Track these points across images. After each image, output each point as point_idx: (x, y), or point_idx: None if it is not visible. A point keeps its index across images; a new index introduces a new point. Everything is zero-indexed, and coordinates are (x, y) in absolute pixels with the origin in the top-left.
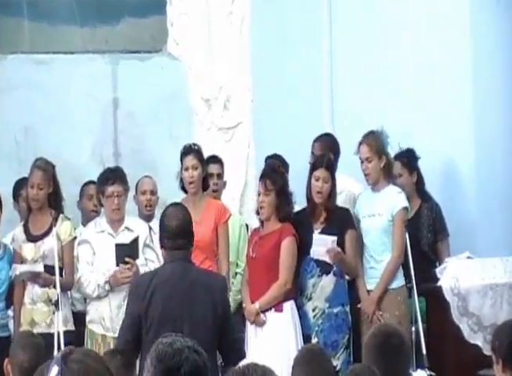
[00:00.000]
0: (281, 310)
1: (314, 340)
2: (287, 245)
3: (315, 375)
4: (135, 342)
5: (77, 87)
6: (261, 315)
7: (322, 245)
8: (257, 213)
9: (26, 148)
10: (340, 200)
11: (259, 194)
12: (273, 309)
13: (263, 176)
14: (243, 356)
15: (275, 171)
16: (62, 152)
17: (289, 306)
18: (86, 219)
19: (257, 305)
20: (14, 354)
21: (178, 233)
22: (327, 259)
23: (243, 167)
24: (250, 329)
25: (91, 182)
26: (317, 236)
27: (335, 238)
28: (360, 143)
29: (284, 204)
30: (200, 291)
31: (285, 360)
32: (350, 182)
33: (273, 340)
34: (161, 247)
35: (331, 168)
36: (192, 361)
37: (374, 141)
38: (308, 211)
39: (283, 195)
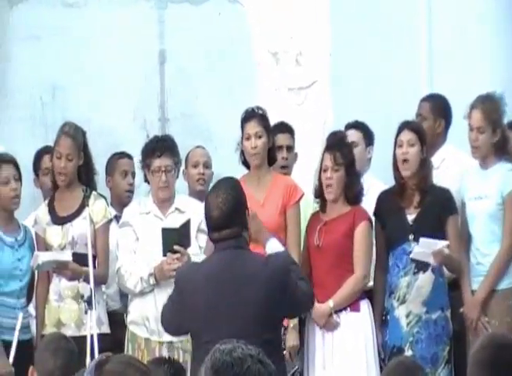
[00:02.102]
0: (358, 309)
1: (407, 353)
2: (363, 231)
3: None
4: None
5: (115, 37)
6: (334, 316)
7: (427, 248)
8: (317, 194)
9: (53, 110)
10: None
11: (324, 170)
12: (348, 309)
13: (331, 148)
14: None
15: (344, 142)
16: (95, 115)
17: (366, 305)
18: (117, 201)
19: (330, 303)
20: (42, 360)
21: (220, 225)
22: (431, 261)
23: (318, 136)
24: (316, 334)
25: (124, 154)
26: (424, 240)
27: (447, 243)
28: (472, 107)
29: (354, 182)
30: (255, 284)
31: (364, 371)
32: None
33: (348, 346)
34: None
35: (418, 131)
36: (256, 372)
37: (491, 108)
38: (395, 191)
39: (353, 172)
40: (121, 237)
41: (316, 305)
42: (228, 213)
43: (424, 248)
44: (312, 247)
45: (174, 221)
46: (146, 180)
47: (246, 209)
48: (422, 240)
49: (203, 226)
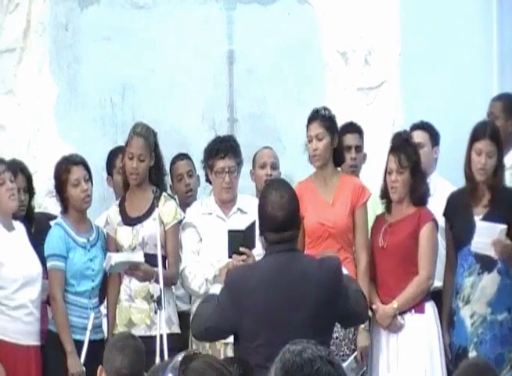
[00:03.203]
0: (423, 311)
1: (472, 353)
2: (428, 232)
3: None
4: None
5: (185, 37)
6: (399, 317)
7: (486, 236)
8: (383, 196)
9: (123, 111)
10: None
11: (389, 172)
12: (413, 310)
13: (396, 150)
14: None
15: (409, 143)
16: (165, 116)
17: (431, 307)
18: (181, 203)
19: (395, 304)
20: (110, 359)
21: (285, 226)
22: (492, 254)
23: (387, 136)
24: (381, 336)
25: (176, 158)
26: (481, 225)
27: (505, 227)
28: None
29: (419, 183)
30: (310, 286)
31: (428, 375)
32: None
33: (413, 348)
34: (261, 235)
35: (497, 139)
36: (326, 374)
37: None
38: (466, 191)
39: (418, 173)
40: (184, 238)
41: (380, 306)
42: (293, 214)
43: (483, 237)
44: (377, 248)
45: (238, 221)
46: (208, 180)
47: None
48: (479, 224)
49: None
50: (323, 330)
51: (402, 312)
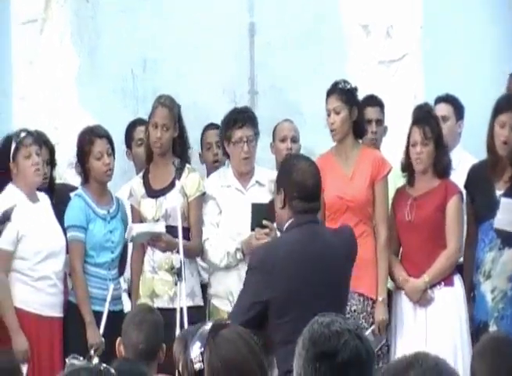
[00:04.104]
0: (452, 284)
1: (492, 328)
2: (455, 205)
3: (502, 370)
4: (254, 326)
5: (204, 10)
6: (429, 291)
7: (510, 212)
8: (404, 168)
9: (144, 83)
10: None
11: (413, 144)
12: (443, 283)
13: (420, 122)
14: None
15: (431, 115)
16: (186, 89)
17: (458, 280)
18: (208, 172)
19: (426, 278)
20: (128, 333)
21: (314, 194)
22: None
23: (408, 109)
24: (407, 309)
25: (213, 125)
26: (505, 201)
27: None
28: None
29: (443, 155)
30: (337, 258)
31: (458, 348)
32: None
33: (442, 322)
34: (284, 207)
35: None
36: (353, 348)
37: None
38: (488, 165)
39: (441, 145)
40: (204, 211)
41: (410, 279)
42: (320, 183)
43: (507, 214)
44: (403, 223)
45: (257, 194)
46: (226, 153)
47: None
48: (503, 201)
49: None
50: (344, 302)
51: (432, 286)
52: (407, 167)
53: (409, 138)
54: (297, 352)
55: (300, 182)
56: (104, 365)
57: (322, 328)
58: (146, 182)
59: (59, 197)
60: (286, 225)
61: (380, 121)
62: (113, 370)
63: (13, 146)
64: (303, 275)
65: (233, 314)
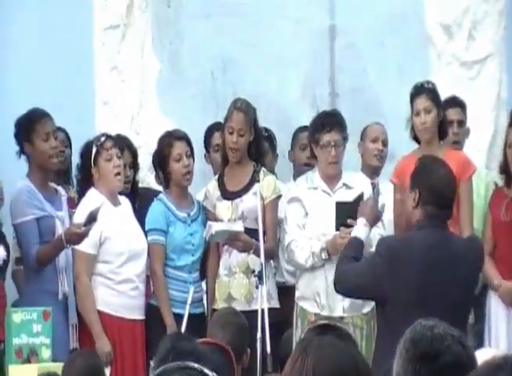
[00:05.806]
0: None
1: None
2: None
3: None
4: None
5: (285, 11)
6: None
7: None
8: (502, 170)
9: (224, 86)
10: None
11: (510, 146)
12: None
13: None
14: None
15: None
16: (265, 91)
17: None
18: (298, 174)
19: None
20: (212, 335)
21: (449, 203)
22: None
23: (492, 111)
24: (500, 312)
25: (306, 127)
26: None
27: None
28: None
29: None
30: (463, 262)
31: None
32: None
33: None
34: (416, 207)
35: None
36: (455, 352)
37: None
38: None
39: None
40: (290, 212)
41: (503, 282)
42: (456, 192)
43: None
44: (499, 223)
45: (344, 197)
46: (314, 156)
47: None
48: None
49: None
50: (465, 318)
51: None
52: (505, 168)
53: (506, 139)
54: (398, 351)
55: (437, 189)
56: (196, 365)
57: (424, 330)
58: (222, 185)
59: (143, 201)
60: (417, 224)
61: (461, 123)
62: (207, 371)
63: (94, 150)
64: (431, 275)
65: (343, 273)
